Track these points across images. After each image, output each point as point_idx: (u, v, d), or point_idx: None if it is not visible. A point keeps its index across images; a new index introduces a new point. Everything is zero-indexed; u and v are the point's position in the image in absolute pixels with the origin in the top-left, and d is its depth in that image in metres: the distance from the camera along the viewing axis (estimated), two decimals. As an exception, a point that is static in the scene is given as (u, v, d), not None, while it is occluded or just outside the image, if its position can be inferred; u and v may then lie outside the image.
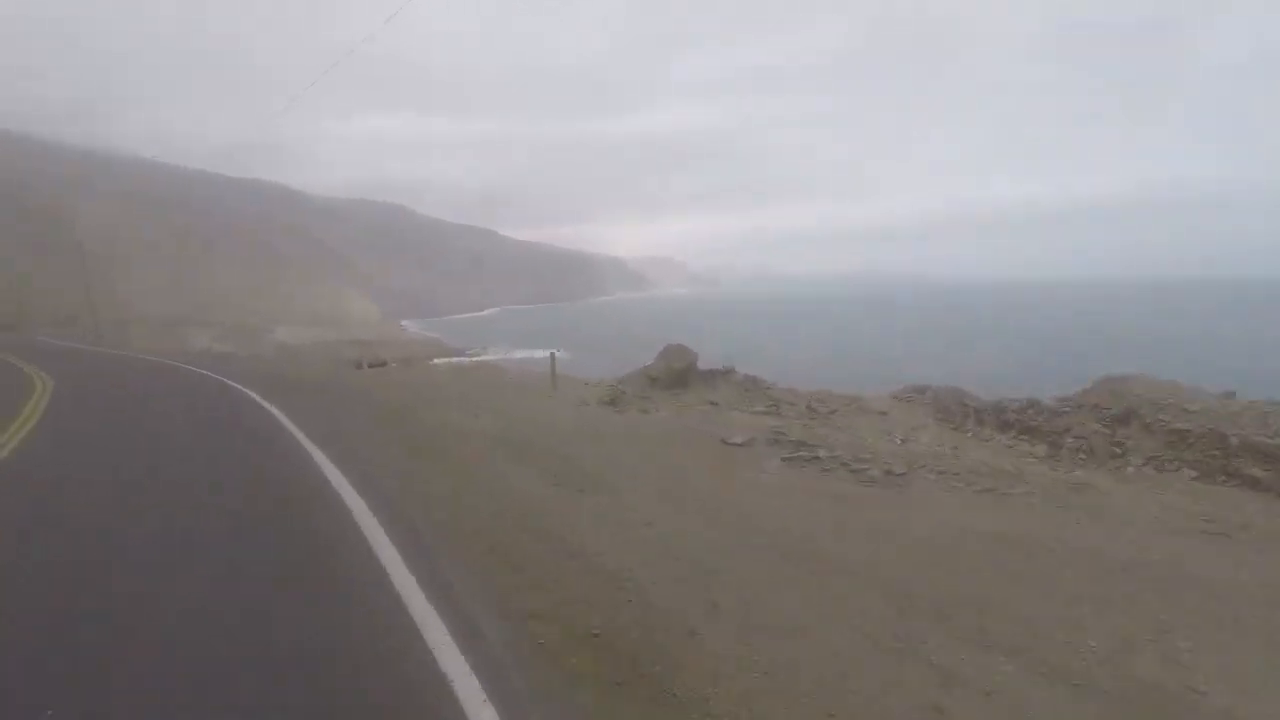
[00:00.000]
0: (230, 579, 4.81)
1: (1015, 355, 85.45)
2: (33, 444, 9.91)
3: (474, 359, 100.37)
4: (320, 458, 8.48)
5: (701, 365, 17.00)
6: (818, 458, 7.63)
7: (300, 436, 9.97)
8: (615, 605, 4.29)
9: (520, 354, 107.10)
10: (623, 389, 13.95)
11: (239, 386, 16.81)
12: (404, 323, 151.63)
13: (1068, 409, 7.60)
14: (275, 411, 12.40)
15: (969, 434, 7.96)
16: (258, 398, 14.51)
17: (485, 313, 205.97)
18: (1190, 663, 3.72)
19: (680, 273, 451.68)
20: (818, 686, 3.44)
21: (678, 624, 4.06)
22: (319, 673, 3.58)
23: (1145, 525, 5.95)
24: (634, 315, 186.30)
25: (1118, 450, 6.62)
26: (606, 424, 11.06)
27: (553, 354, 18.89)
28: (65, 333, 59.99)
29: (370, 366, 32.77)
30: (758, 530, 5.66)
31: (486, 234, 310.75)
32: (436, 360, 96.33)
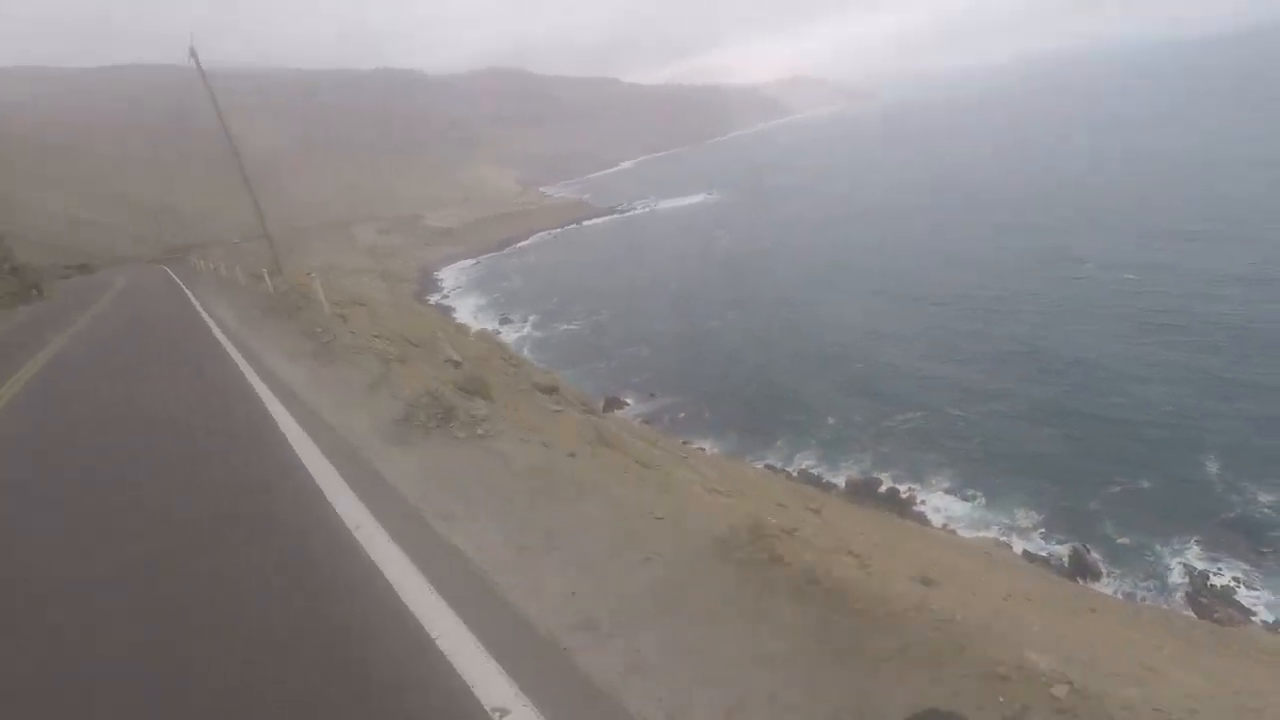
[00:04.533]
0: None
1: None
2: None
3: (627, 214, 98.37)
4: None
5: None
6: None
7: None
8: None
9: (665, 203, 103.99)
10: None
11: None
12: (543, 189, 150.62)
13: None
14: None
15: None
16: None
17: (622, 166, 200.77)
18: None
19: (823, 89, 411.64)
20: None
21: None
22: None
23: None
24: (766, 150, 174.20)
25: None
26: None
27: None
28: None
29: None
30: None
31: (611, 84, 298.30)
32: (589, 221, 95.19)
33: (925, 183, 75.21)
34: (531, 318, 50.28)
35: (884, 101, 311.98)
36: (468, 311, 53.98)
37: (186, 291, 27.22)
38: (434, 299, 60.34)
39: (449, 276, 72.11)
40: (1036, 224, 49.43)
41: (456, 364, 11.53)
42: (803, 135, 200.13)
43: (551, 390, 13.30)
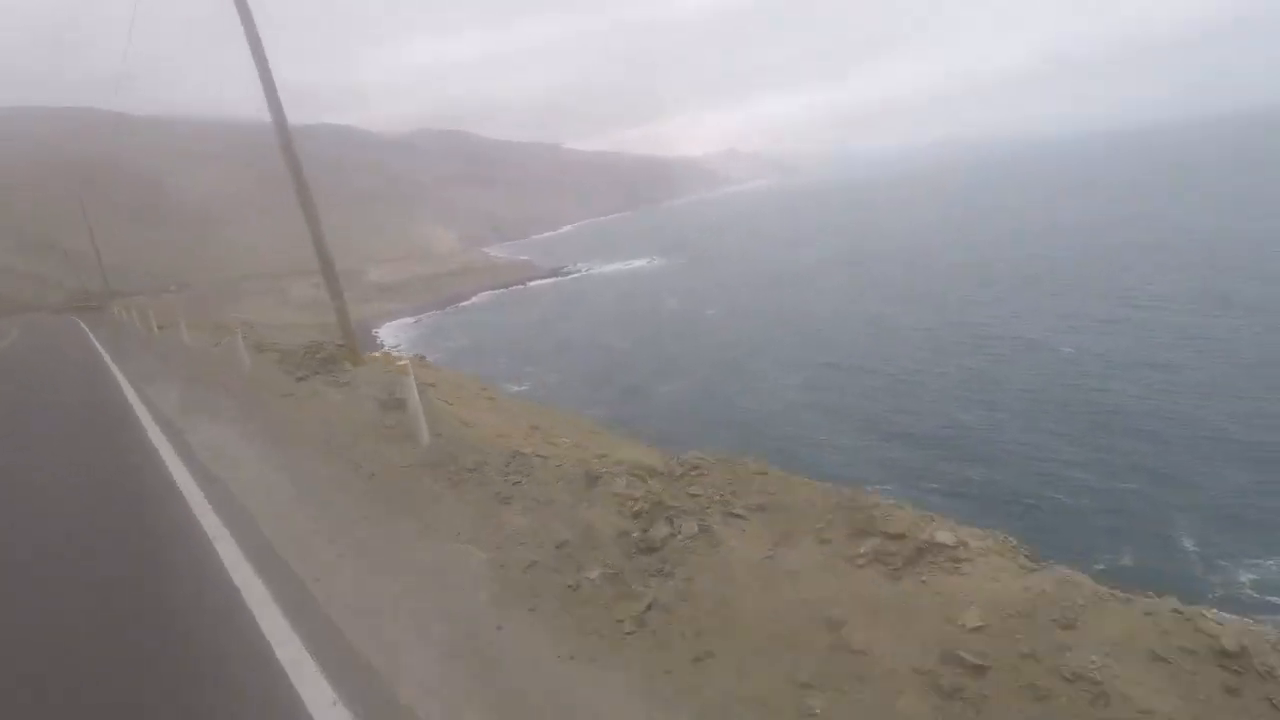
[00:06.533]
0: None
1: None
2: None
3: (572, 276, 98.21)
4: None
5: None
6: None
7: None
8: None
9: (609, 267, 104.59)
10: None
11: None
12: (486, 249, 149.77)
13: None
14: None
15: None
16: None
17: (563, 230, 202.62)
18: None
19: (757, 163, 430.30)
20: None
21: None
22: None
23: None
24: (707, 218, 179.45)
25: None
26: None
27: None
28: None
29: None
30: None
31: (553, 149, 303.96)
32: (533, 282, 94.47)
33: (844, 252, 78.94)
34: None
35: (810, 178, 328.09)
36: (409, 370, 51.76)
37: (122, 385, 15.68)
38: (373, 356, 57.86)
39: (388, 333, 69.73)
40: (943, 298, 51.32)
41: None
42: (735, 207, 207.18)
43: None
